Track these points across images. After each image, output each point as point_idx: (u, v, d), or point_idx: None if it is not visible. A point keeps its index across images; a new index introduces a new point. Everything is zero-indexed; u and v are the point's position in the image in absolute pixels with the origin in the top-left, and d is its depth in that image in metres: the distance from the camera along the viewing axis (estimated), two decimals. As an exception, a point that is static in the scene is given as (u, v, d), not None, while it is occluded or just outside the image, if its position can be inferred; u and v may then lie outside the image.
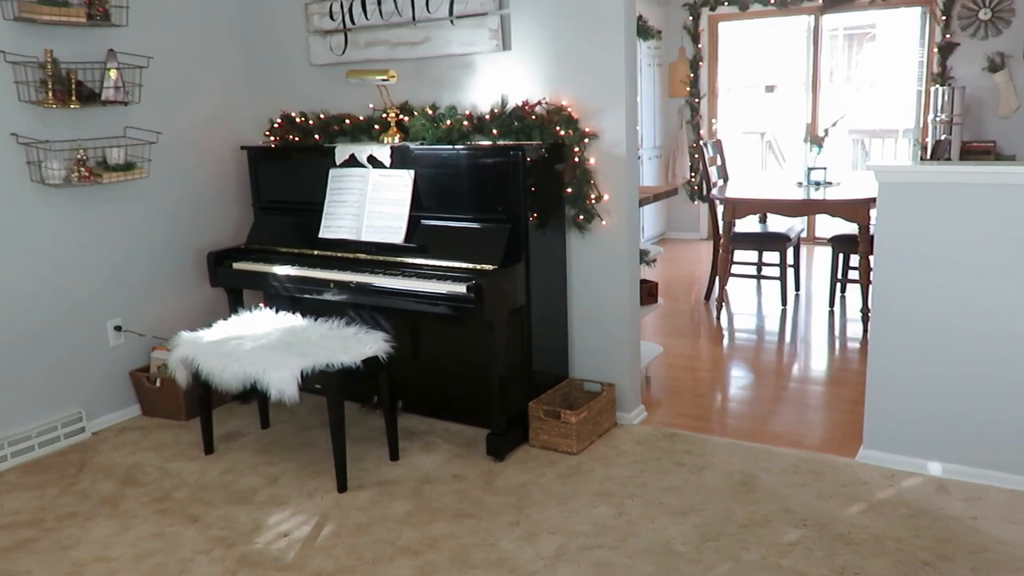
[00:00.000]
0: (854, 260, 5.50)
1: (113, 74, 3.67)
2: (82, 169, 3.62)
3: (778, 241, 5.69)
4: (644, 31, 3.90)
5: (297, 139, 4.22)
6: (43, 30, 3.52)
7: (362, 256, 3.73)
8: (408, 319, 3.79)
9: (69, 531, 3.00)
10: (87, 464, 3.57)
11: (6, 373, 3.58)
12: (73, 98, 3.56)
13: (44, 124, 3.59)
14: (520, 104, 3.61)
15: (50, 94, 3.50)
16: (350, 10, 4.04)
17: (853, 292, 5.97)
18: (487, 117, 3.66)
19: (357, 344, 3.34)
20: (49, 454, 3.67)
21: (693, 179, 8.15)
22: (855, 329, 5.30)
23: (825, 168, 5.61)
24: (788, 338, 5.23)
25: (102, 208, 3.88)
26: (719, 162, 6.34)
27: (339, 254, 3.79)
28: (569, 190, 3.60)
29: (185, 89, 4.19)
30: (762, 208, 5.56)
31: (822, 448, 3.50)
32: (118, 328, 4.01)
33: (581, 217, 3.61)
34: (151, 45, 3.95)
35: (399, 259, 3.62)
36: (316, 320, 3.61)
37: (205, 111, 4.32)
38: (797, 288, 6.24)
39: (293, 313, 3.74)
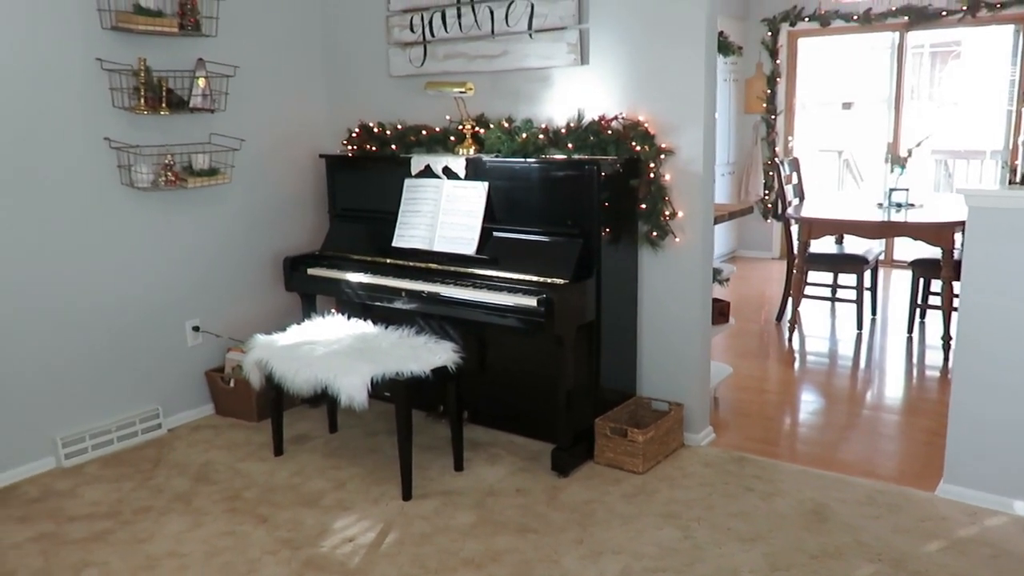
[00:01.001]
0: (935, 285, 5.32)
1: (201, 82, 3.79)
2: (169, 173, 3.74)
3: (856, 263, 5.53)
4: (725, 47, 3.86)
5: (374, 149, 4.29)
6: (138, 39, 3.65)
7: (433, 266, 3.75)
8: (476, 330, 3.80)
9: (144, 525, 3.09)
10: (162, 460, 3.68)
11: (91, 368, 3.72)
12: (163, 105, 3.68)
13: (135, 129, 3.73)
14: (596, 119, 3.60)
15: (142, 101, 3.63)
16: (430, 23, 4.09)
17: (933, 318, 5.77)
18: (563, 131, 3.65)
19: (427, 353, 3.37)
20: (127, 448, 3.79)
21: (767, 197, 8.00)
22: (935, 357, 5.11)
23: (907, 189, 5.44)
24: (863, 363, 5.08)
25: (186, 212, 4.00)
26: (795, 180, 6.21)
27: (411, 263, 3.83)
28: (643, 206, 3.57)
29: (268, 98, 4.30)
30: (840, 229, 5.42)
31: (899, 480, 3.38)
32: (196, 329, 4.13)
33: (654, 233, 3.58)
34: (237, 55, 4.07)
35: (470, 270, 3.64)
36: (387, 328, 3.66)
37: (286, 120, 4.42)
38: (873, 312, 6.06)
39: (364, 320, 3.79)
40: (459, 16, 3.99)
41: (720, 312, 4.10)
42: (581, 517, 3.09)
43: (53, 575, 2.76)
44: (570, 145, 3.61)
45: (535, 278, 3.46)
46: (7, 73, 3.30)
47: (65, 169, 3.53)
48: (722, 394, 4.39)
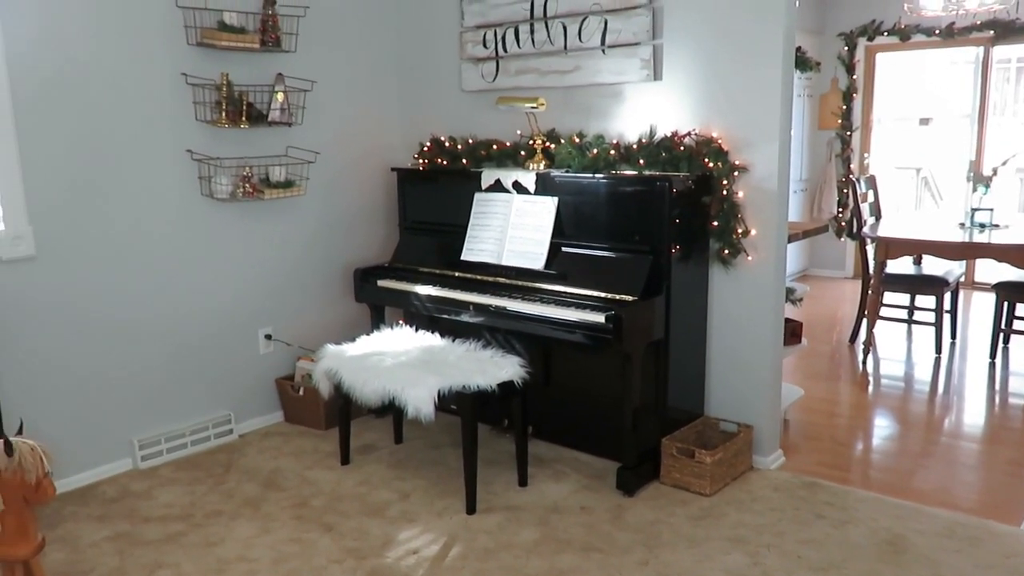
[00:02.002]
0: (1021, 309, 5.10)
1: (280, 96, 3.89)
2: (247, 185, 3.84)
3: (935, 285, 5.35)
4: (803, 63, 3.79)
5: (445, 162, 4.33)
6: (220, 55, 3.77)
7: (501, 280, 3.76)
8: (541, 345, 3.79)
9: (215, 528, 3.16)
10: (233, 465, 3.76)
11: (168, 373, 3.83)
12: (243, 118, 3.79)
13: (216, 142, 3.84)
14: (669, 135, 3.57)
15: (223, 114, 3.74)
16: (503, 39, 4.12)
17: (1018, 344, 5.53)
18: (634, 147, 3.63)
19: (493, 367, 3.37)
20: (200, 452, 3.89)
21: (841, 215, 7.81)
22: (1019, 384, 4.90)
23: (992, 209, 5.24)
24: (941, 389, 4.89)
25: (261, 223, 4.10)
26: (871, 198, 6.04)
27: (479, 277, 3.84)
28: (715, 223, 3.51)
29: (343, 112, 4.39)
30: (919, 249, 5.25)
31: (980, 512, 3.24)
32: (268, 337, 4.22)
33: (726, 251, 3.52)
34: (315, 69, 4.16)
35: (537, 285, 3.63)
36: (453, 341, 3.68)
37: (360, 133, 4.50)
38: (953, 336, 5.84)
39: (431, 332, 3.82)
40: (532, 32, 4.01)
41: (792, 332, 4.01)
42: (647, 538, 3.04)
43: (128, 573, 2.84)
44: (641, 161, 3.59)
45: (603, 294, 3.43)
46: (99, 87, 3.44)
47: (150, 180, 3.66)
48: (792, 416, 4.28)
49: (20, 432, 2.36)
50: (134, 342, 3.69)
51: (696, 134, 3.54)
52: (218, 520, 3.23)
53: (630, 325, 3.22)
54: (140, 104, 3.58)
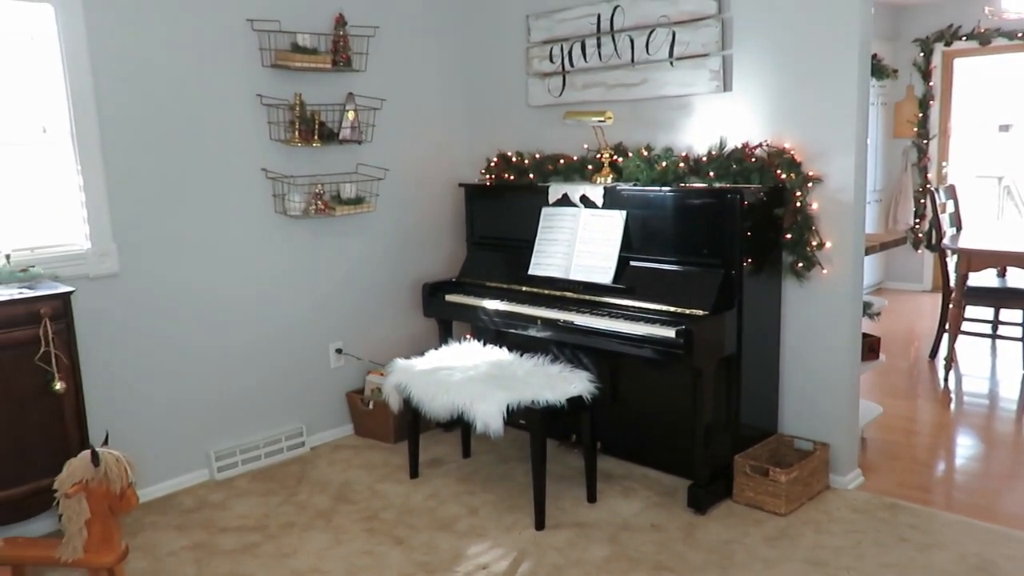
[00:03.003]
0: (1116, 324, 4.84)
1: (351, 115, 3.96)
2: (319, 202, 3.92)
3: (1021, 298, 5.12)
4: (879, 70, 3.69)
5: (511, 177, 4.35)
6: (294, 76, 3.86)
7: (569, 294, 3.74)
8: (608, 359, 3.75)
9: (288, 540, 3.21)
10: (305, 477, 3.82)
11: (243, 387, 3.92)
12: (315, 137, 3.87)
13: (289, 160, 3.93)
14: (739, 146, 3.51)
15: (296, 134, 3.83)
16: (570, 53, 4.12)
17: (1112, 360, 5.26)
18: (704, 159, 3.58)
19: (562, 383, 3.35)
20: (273, 464, 3.97)
21: (918, 226, 7.56)
22: (1115, 403, 4.65)
23: (1082, 219, 5.00)
24: (1030, 407, 4.68)
25: (332, 239, 4.18)
26: (951, 208, 5.83)
27: (546, 291, 3.83)
28: (788, 236, 3.44)
29: (411, 129, 4.45)
30: (1003, 261, 5.04)
31: (1077, 538, 3.08)
32: (339, 351, 4.29)
33: (800, 264, 3.44)
34: (384, 88, 4.23)
35: (605, 299, 3.60)
36: (521, 355, 3.67)
37: (427, 149, 4.56)
38: (1041, 351, 5.58)
39: (499, 346, 3.83)
40: (599, 46, 4.00)
41: (869, 348, 3.88)
42: (720, 558, 2.98)
43: (206, 583, 2.91)
44: (711, 173, 3.54)
45: (673, 308, 3.38)
46: (179, 109, 3.56)
47: (227, 199, 3.77)
48: (870, 435, 4.15)
49: (106, 443, 2.45)
50: (211, 356, 3.79)
51: (768, 145, 3.47)
52: (291, 531, 3.28)
53: (701, 340, 3.17)
54: (217, 125, 3.69)
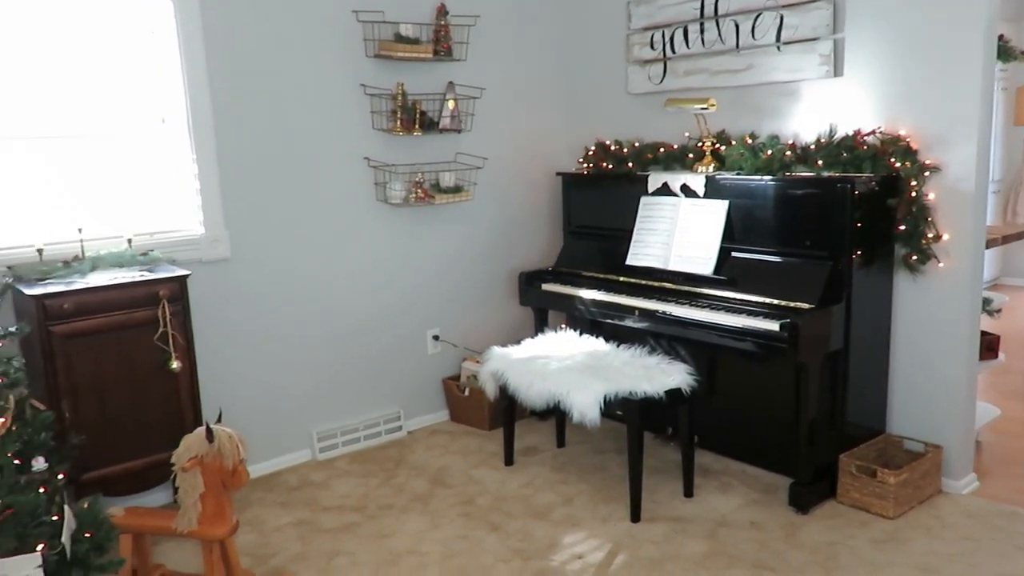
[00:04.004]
0: None
1: (451, 104, 4.00)
2: (419, 191, 3.98)
3: None
4: (1005, 52, 3.47)
5: (610, 166, 4.30)
6: (396, 66, 3.92)
7: (667, 285, 3.68)
8: (705, 352, 3.67)
9: (387, 521, 3.28)
10: (403, 460, 3.89)
11: (344, 370, 4.02)
12: (416, 126, 3.92)
13: (390, 149, 4.00)
14: (850, 133, 3.37)
15: (398, 123, 3.89)
16: (671, 39, 4.05)
17: None
18: (811, 147, 3.46)
19: (660, 374, 3.31)
20: (372, 447, 4.06)
21: (1040, 218, 7.12)
22: None
23: None
24: None
25: (431, 227, 4.23)
26: (1079, 200, 5.46)
27: (643, 282, 3.78)
28: (902, 227, 3.29)
29: (509, 117, 4.46)
30: None
31: None
32: (436, 338, 4.35)
33: (914, 257, 3.28)
34: (484, 77, 4.26)
35: (704, 290, 3.53)
36: (618, 346, 3.64)
37: (525, 138, 4.56)
38: None
39: (594, 336, 3.80)
40: (702, 31, 3.91)
41: (987, 346, 3.68)
42: (823, 559, 2.88)
43: (309, 559, 3.00)
44: (819, 162, 3.41)
45: (776, 301, 3.29)
46: (287, 99, 3.67)
47: (331, 187, 3.86)
48: (986, 438, 3.93)
49: (219, 420, 2.55)
50: (314, 339, 3.90)
51: (881, 132, 3.32)
52: (389, 513, 3.35)
53: (807, 334, 3.07)
54: (322, 115, 3.78)
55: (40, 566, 2.06)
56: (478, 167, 4.28)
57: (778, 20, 3.60)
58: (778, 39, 3.62)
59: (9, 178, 3.10)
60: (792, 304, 3.23)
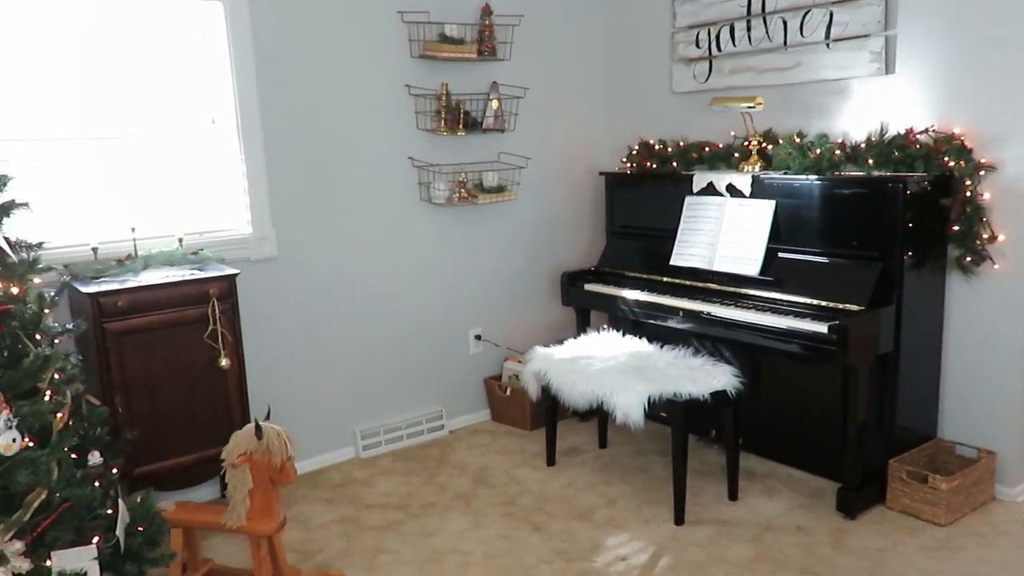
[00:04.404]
0: None
1: (495, 104, 4.00)
2: (462, 190, 3.99)
3: None
4: (1064, 48, 3.37)
5: (653, 166, 4.27)
6: (440, 66, 3.94)
7: (712, 286, 3.65)
8: (749, 353, 3.62)
9: (430, 520, 3.30)
10: (445, 459, 3.91)
11: (386, 368, 4.05)
12: (460, 126, 3.94)
13: (434, 149, 4.02)
14: (902, 132, 3.30)
15: (442, 123, 3.91)
16: (717, 37, 4.01)
17: None
18: (861, 146, 3.40)
19: (705, 376, 3.28)
20: (414, 446, 4.08)
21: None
22: None
23: None
24: None
25: (474, 226, 4.24)
26: None
27: (688, 282, 3.75)
28: (955, 227, 3.21)
29: (552, 117, 4.45)
30: None
31: None
32: (478, 337, 4.36)
33: (968, 258, 3.21)
34: (527, 77, 4.26)
35: (750, 291, 3.49)
36: (661, 347, 3.61)
37: (568, 138, 4.55)
38: None
39: (637, 337, 3.78)
40: (748, 29, 3.86)
41: (1044, 350, 3.58)
42: (872, 566, 2.83)
43: (353, 556, 3.03)
44: (870, 161, 3.35)
45: (824, 303, 3.24)
46: (333, 100, 3.71)
47: (376, 187, 3.89)
48: (1042, 444, 3.83)
49: (268, 418, 2.58)
50: (358, 338, 3.93)
51: (934, 131, 3.25)
52: (432, 511, 3.36)
53: (856, 336, 3.02)
54: (368, 115, 3.81)
55: (96, 558, 2.12)
56: (521, 167, 4.28)
57: (827, 17, 3.54)
58: (827, 36, 3.56)
59: (66, 178, 3.17)
60: (840, 306, 3.18)
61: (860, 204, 3.25)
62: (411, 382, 4.15)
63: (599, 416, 3.95)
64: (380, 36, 3.79)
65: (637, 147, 4.40)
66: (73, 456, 2.18)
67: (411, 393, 4.15)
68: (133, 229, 3.18)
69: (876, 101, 3.47)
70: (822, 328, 3.08)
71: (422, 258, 4.10)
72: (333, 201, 3.77)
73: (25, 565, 1.95)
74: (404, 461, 3.90)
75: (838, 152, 3.45)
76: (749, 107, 3.67)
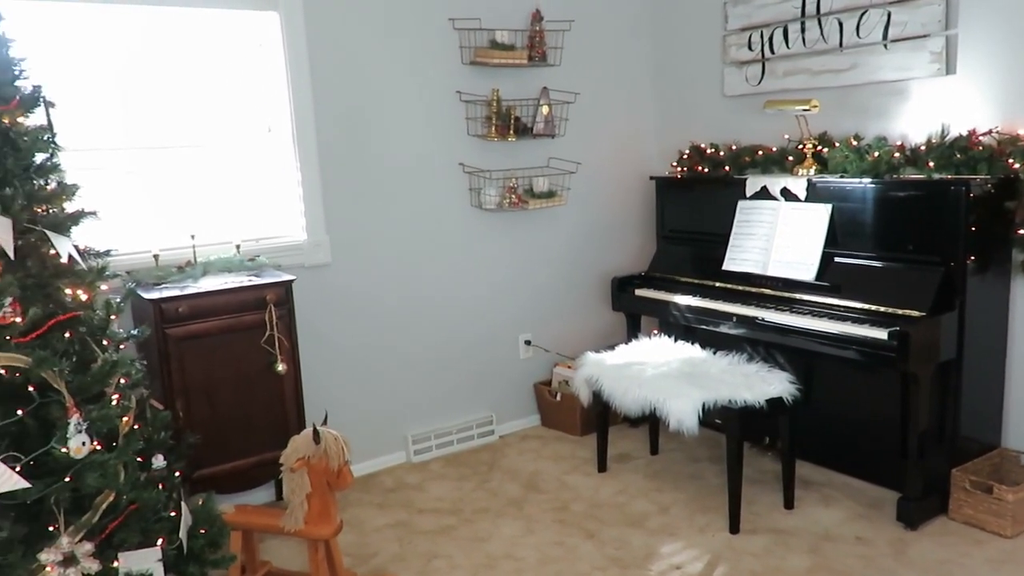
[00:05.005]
0: None
1: (545, 110, 4.01)
2: (512, 196, 4.00)
3: None
4: None
5: (704, 170, 4.23)
6: (491, 72, 3.96)
7: (766, 291, 3.60)
8: (802, 359, 3.56)
9: (482, 525, 3.30)
10: (495, 464, 3.91)
11: (436, 373, 4.07)
12: (511, 132, 3.95)
13: (484, 155, 4.04)
14: (964, 134, 3.23)
15: (493, 129, 3.92)
16: (770, 39, 3.96)
17: None
18: (921, 148, 3.32)
19: (760, 383, 3.23)
20: (465, 451, 4.09)
21: None
22: None
23: None
24: None
25: (523, 232, 4.25)
26: None
27: (740, 287, 3.71)
28: (1021, 231, 3.12)
29: (602, 122, 4.44)
30: None
31: None
32: (528, 342, 4.36)
33: (1034, 263, 3.12)
34: (577, 81, 4.25)
35: (804, 296, 3.43)
36: (714, 353, 3.58)
37: (618, 142, 4.53)
38: None
39: (688, 343, 3.74)
40: (803, 31, 3.81)
41: (1114, 357, 3.46)
42: (936, 578, 2.77)
43: (407, 560, 3.04)
44: (930, 163, 3.27)
45: (883, 308, 3.17)
46: (385, 107, 3.75)
47: (427, 193, 3.92)
48: (1112, 454, 3.70)
49: (325, 422, 2.61)
50: (410, 343, 3.96)
51: (998, 132, 3.17)
52: (485, 517, 3.37)
53: (917, 343, 2.95)
54: (419, 122, 3.84)
55: (160, 560, 2.16)
56: (571, 172, 4.28)
57: (885, 17, 3.47)
58: (885, 37, 3.49)
59: (128, 187, 3.25)
60: (900, 311, 3.11)
61: (921, 208, 3.18)
62: (461, 387, 4.16)
63: (650, 422, 3.92)
64: (431, 43, 3.82)
65: (688, 151, 4.36)
66: (138, 459, 2.23)
67: (461, 398, 4.17)
68: (193, 236, 3.25)
69: (936, 102, 3.40)
70: (882, 334, 3.02)
71: (472, 263, 4.12)
72: (385, 207, 3.81)
73: (94, 566, 2.00)
74: (455, 466, 3.91)
75: (897, 155, 3.37)
76: (804, 110, 3.61)
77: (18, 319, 1.96)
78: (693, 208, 4.17)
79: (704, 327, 3.75)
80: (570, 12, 4.14)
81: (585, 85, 4.30)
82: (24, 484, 1.89)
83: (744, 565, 2.91)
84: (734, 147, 4.13)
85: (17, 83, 2.11)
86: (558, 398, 4.25)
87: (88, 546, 1.99)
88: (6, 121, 2.05)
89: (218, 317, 3.02)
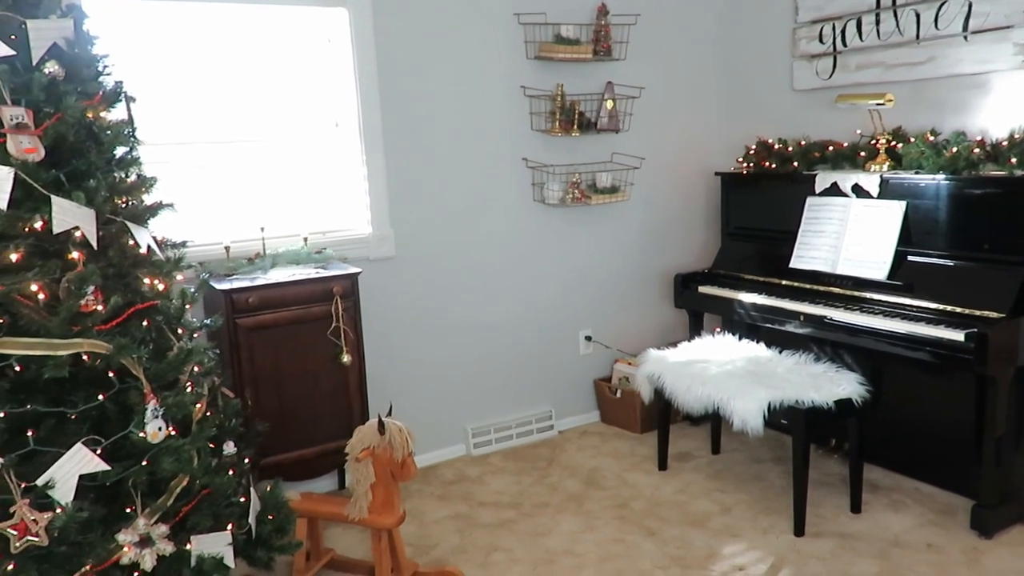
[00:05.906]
0: None
1: (609, 104, 3.98)
2: (575, 191, 3.98)
3: None
4: None
5: (772, 165, 4.15)
6: (555, 67, 3.94)
7: (834, 290, 3.52)
8: (870, 360, 3.47)
9: (542, 520, 3.30)
10: (555, 460, 3.91)
11: (498, 367, 4.08)
12: (575, 127, 3.93)
13: (547, 150, 4.03)
14: (1049, 129, 3.10)
15: (556, 124, 3.91)
16: (842, 32, 3.86)
17: None
18: (1004, 144, 3.20)
19: (828, 383, 3.16)
20: (524, 445, 4.10)
21: None
22: None
23: None
24: None
25: (586, 227, 4.23)
26: None
27: (807, 286, 3.63)
28: (1108, 231, 2.99)
29: (666, 117, 4.39)
30: None
31: None
32: (588, 338, 4.34)
33: (1123, 264, 2.98)
34: (642, 76, 4.21)
35: (875, 296, 3.35)
36: (780, 352, 3.51)
37: (682, 138, 4.47)
38: None
39: (752, 341, 3.68)
40: (877, 23, 3.70)
41: None
42: (1012, 590, 2.67)
43: (467, 552, 3.06)
44: (1013, 160, 3.15)
45: (959, 309, 3.07)
46: (450, 102, 3.76)
47: (490, 187, 3.93)
48: None
49: (390, 413, 2.64)
50: (471, 336, 3.98)
51: (1086, 127, 3.04)
52: (545, 511, 3.37)
53: (996, 345, 2.85)
54: (484, 117, 3.85)
55: (230, 544, 2.21)
56: (635, 167, 4.24)
57: (966, 8, 3.35)
58: (965, 28, 3.37)
59: (201, 180, 3.33)
60: (977, 312, 3.01)
61: (1001, 205, 3.07)
62: (521, 382, 4.17)
63: (712, 421, 3.87)
64: (497, 38, 3.83)
65: (755, 146, 4.27)
66: (210, 445, 2.29)
67: (521, 393, 4.17)
68: (262, 229, 3.31)
69: (1020, 96, 3.27)
70: (958, 336, 2.92)
71: (534, 258, 4.11)
72: (448, 201, 3.83)
73: (169, 547, 2.06)
74: (514, 460, 3.92)
75: (977, 150, 3.25)
76: (878, 104, 3.51)
77: (100, 307, 2.03)
78: (759, 204, 4.10)
79: (769, 326, 3.69)
80: (636, 6, 4.10)
81: (650, 79, 4.25)
82: (104, 466, 1.96)
83: (810, 569, 2.85)
84: (803, 142, 4.02)
85: (100, 79, 2.18)
86: (618, 395, 4.23)
87: (163, 528, 2.05)
88: (90, 116, 2.11)
89: (286, 308, 3.08)
